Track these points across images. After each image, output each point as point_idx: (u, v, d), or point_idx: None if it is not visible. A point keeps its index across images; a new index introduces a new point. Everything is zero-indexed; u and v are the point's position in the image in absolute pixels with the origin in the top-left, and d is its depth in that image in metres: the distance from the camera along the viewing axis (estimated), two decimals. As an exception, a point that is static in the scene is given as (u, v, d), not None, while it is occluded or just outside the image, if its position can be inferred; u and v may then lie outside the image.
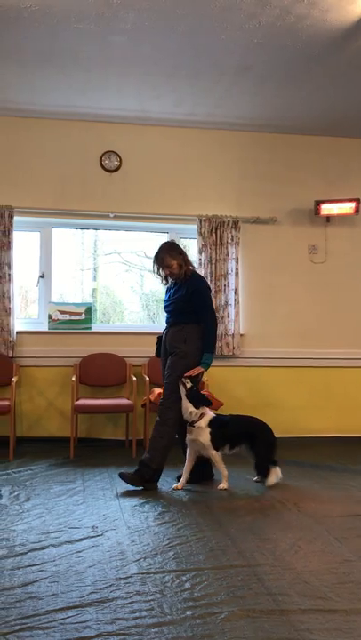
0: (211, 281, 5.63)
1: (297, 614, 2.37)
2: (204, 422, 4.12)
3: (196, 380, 4.18)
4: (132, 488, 4.10)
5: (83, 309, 5.76)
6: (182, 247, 4.42)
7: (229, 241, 5.76)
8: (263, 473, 4.23)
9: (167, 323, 4.37)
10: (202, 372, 4.24)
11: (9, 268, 5.42)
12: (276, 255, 6.00)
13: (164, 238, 6.00)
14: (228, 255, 5.75)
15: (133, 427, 5.30)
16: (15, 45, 4.25)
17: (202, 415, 4.14)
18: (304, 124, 5.76)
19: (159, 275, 4.36)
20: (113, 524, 3.42)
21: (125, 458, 5.05)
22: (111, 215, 5.67)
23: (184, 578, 2.70)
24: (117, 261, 6.20)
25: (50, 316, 5.69)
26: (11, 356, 5.43)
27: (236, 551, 3.02)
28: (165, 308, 4.39)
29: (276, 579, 2.70)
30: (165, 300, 4.42)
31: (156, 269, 4.33)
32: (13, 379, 5.21)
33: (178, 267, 4.25)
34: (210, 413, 4.21)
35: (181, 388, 4.12)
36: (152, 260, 4.34)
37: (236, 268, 5.77)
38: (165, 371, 4.27)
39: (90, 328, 5.74)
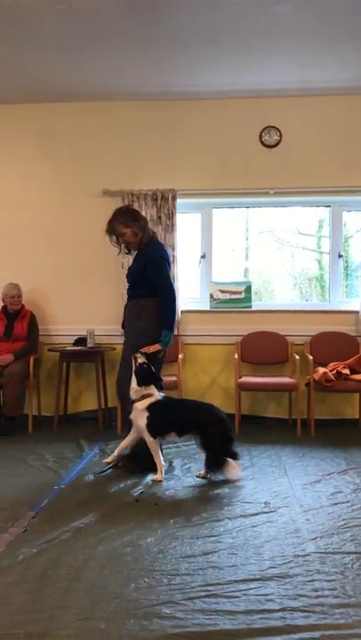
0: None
1: None
2: (142, 404, 3.81)
3: (156, 358, 3.87)
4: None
5: (242, 288, 5.79)
6: (139, 212, 4.11)
7: None
8: (212, 467, 3.79)
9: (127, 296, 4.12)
10: (160, 351, 3.89)
11: (173, 249, 5.59)
12: None
13: (326, 213, 5.83)
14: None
15: (298, 405, 5.25)
16: (176, 29, 4.31)
17: (145, 396, 3.83)
18: None
19: (117, 244, 4.07)
20: (285, 502, 3.43)
21: (289, 436, 5.03)
22: (271, 192, 5.59)
23: (365, 561, 2.64)
24: (270, 239, 6.13)
25: (211, 296, 5.79)
26: (176, 334, 5.62)
27: None
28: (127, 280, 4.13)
29: None
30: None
31: (110, 239, 4.05)
32: (179, 356, 5.41)
33: (132, 234, 3.96)
34: (155, 395, 3.85)
35: (133, 362, 3.83)
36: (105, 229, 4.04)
37: None
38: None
39: (250, 307, 5.75)
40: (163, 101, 5.67)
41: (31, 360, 5.32)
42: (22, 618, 2.18)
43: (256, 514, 3.24)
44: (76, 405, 5.78)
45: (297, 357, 5.30)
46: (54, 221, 5.79)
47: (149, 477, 3.84)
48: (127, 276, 4.12)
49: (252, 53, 4.73)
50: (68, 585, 2.44)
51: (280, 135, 5.61)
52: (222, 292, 5.81)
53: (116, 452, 4.02)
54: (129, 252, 4.15)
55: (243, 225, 6.23)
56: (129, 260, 5.50)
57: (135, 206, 5.58)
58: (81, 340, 5.54)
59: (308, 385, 5.23)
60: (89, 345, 5.43)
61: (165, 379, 5.27)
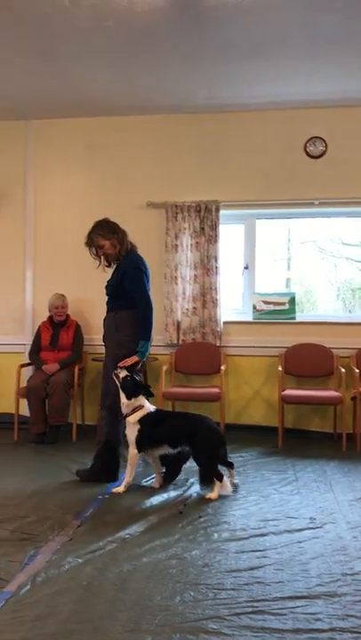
0: None
1: None
2: (134, 417, 3.78)
3: (133, 369, 3.83)
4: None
5: (286, 299, 5.74)
6: (118, 225, 4.08)
7: None
8: (205, 483, 3.73)
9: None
10: (138, 362, 3.86)
11: (215, 260, 5.60)
12: None
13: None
14: None
15: (343, 420, 5.15)
16: (222, 42, 4.33)
17: (136, 408, 3.79)
18: None
19: (97, 257, 4.07)
20: (331, 518, 3.36)
21: (334, 451, 4.94)
22: (316, 202, 5.54)
23: None
24: (312, 250, 6.07)
25: (254, 307, 5.76)
26: (218, 345, 5.61)
27: None
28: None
29: None
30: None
31: (90, 251, 4.07)
32: (222, 367, 5.39)
33: (111, 247, 3.98)
34: (146, 407, 3.82)
35: (115, 380, 3.80)
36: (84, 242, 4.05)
37: None
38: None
39: (294, 318, 5.70)
40: (207, 114, 5.70)
41: (76, 369, 5.39)
42: (70, 627, 2.20)
43: (301, 529, 3.19)
44: (119, 415, 5.81)
45: (343, 370, 5.21)
46: (99, 233, 5.87)
47: (113, 489, 3.84)
48: (106, 287, 4.12)
49: (297, 64, 4.71)
50: (114, 596, 2.44)
51: (325, 145, 5.56)
52: (266, 302, 5.77)
53: (157, 481, 3.96)
54: (109, 265, 4.13)
55: (285, 235, 6.19)
56: (179, 272, 5.59)
57: (178, 218, 5.64)
58: (124, 351, 5.58)
59: (353, 399, 5.13)
60: (132, 355, 5.46)
61: (208, 390, 5.31)
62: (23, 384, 5.42)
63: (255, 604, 2.38)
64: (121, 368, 3.80)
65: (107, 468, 4.00)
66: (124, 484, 3.82)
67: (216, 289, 5.60)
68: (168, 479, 3.99)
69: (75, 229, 5.90)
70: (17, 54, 4.53)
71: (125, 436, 3.88)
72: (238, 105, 5.53)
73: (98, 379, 5.59)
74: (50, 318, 5.66)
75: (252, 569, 2.71)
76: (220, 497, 3.71)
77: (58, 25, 4.06)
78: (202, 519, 3.35)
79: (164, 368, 5.43)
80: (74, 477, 4.12)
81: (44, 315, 5.71)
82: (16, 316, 5.98)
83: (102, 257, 4.09)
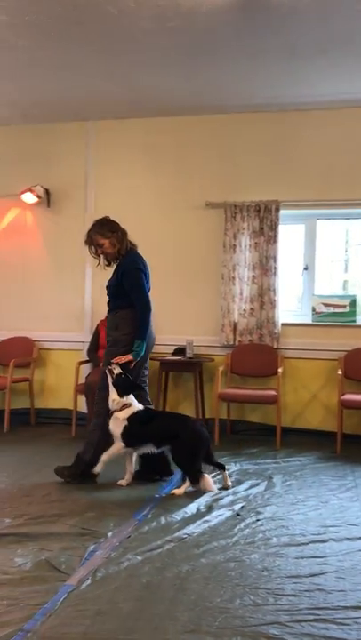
0: None
1: None
2: (123, 414, 3.80)
3: (128, 368, 3.84)
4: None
5: (347, 302, 5.61)
6: (118, 224, 4.05)
7: None
8: (192, 481, 3.75)
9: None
10: (132, 361, 3.85)
11: (274, 261, 5.53)
12: None
13: None
14: None
15: None
16: (287, 41, 4.27)
17: (125, 406, 3.81)
18: None
19: (97, 255, 4.05)
20: (394, 527, 3.26)
21: (395, 458, 4.79)
22: (382, 202, 5.41)
23: None
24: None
25: (313, 309, 5.66)
26: (276, 347, 5.54)
27: None
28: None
29: None
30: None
31: (89, 250, 4.06)
32: (279, 369, 5.32)
33: (110, 245, 3.96)
34: (136, 406, 3.85)
35: (108, 374, 3.81)
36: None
37: None
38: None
39: (354, 321, 5.56)
40: (268, 113, 5.64)
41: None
42: (130, 624, 2.21)
43: (363, 537, 3.10)
44: (174, 415, 5.82)
45: None
46: (157, 234, 5.90)
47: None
48: (107, 287, 4.10)
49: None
50: (174, 595, 2.44)
51: (391, 144, 5.41)
52: (326, 305, 5.66)
53: (126, 479, 3.98)
54: (109, 264, 4.12)
55: (342, 236, 6.05)
56: (237, 272, 5.56)
57: (237, 218, 5.61)
58: (180, 350, 5.59)
59: None
60: (188, 355, 5.47)
61: (264, 392, 5.25)
62: (81, 381, 5.51)
63: (317, 612, 2.33)
64: (115, 364, 3.83)
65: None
66: (100, 463, 3.85)
67: (274, 290, 5.53)
68: (145, 475, 4.04)
69: (133, 229, 5.92)
70: (81, 56, 4.60)
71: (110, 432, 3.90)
72: (300, 104, 5.44)
73: (154, 377, 5.63)
74: (108, 316, 5.72)
75: (312, 575, 2.65)
76: (278, 501, 3.66)
77: (122, 26, 4.10)
78: (260, 522, 3.31)
79: (220, 369, 5.40)
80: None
81: (102, 313, 5.77)
82: (76, 314, 6.08)
83: (102, 256, 4.09)
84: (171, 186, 5.91)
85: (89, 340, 5.76)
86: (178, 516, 3.38)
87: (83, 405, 5.53)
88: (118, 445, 3.84)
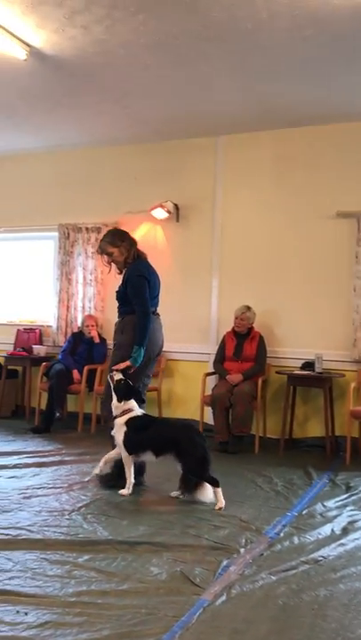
0: None
1: None
2: (122, 420, 3.84)
3: (128, 373, 3.89)
4: None
5: None
6: (127, 234, 4.20)
7: None
8: (188, 489, 3.72)
9: None
10: (130, 367, 3.90)
11: None
12: None
13: None
14: None
15: None
16: None
17: (125, 411, 3.84)
18: None
19: (108, 264, 4.20)
20: None
21: None
22: None
23: None
24: None
25: None
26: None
27: None
28: None
29: None
30: None
31: (101, 258, 4.23)
32: None
33: (119, 254, 4.10)
34: (135, 411, 3.88)
35: (110, 380, 3.91)
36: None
37: None
38: None
39: None
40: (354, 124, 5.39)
41: (259, 381, 5.38)
42: (270, 647, 2.15)
43: None
44: (302, 431, 5.68)
45: None
46: (286, 244, 5.82)
47: (119, 491, 3.86)
48: (116, 294, 4.21)
49: None
50: (313, 621, 2.35)
51: None
52: None
53: (101, 463, 3.99)
54: (120, 272, 4.22)
55: None
56: None
57: (370, 227, 5.38)
58: (308, 365, 5.45)
59: None
60: (317, 370, 5.31)
61: None
62: (208, 392, 5.54)
63: None
64: (116, 371, 3.92)
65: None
66: (127, 486, 3.86)
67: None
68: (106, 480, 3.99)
69: (261, 242, 5.95)
70: (212, 72, 4.67)
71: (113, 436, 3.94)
72: None
73: (281, 392, 5.54)
74: (234, 329, 5.73)
75: None
76: None
77: (257, 39, 4.10)
78: None
79: (352, 385, 5.18)
80: (260, 490, 4.10)
81: (228, 325, 5.79)
82: (202, 325, 6.14)
83: (112, 264, 4.22)
84: (299, 196, 5.81)
85: (215, 352, 5.79)
86: (311, 536, 3.26)
87: (209, 416, 5.56)
88: (124, 455, 3.85)
